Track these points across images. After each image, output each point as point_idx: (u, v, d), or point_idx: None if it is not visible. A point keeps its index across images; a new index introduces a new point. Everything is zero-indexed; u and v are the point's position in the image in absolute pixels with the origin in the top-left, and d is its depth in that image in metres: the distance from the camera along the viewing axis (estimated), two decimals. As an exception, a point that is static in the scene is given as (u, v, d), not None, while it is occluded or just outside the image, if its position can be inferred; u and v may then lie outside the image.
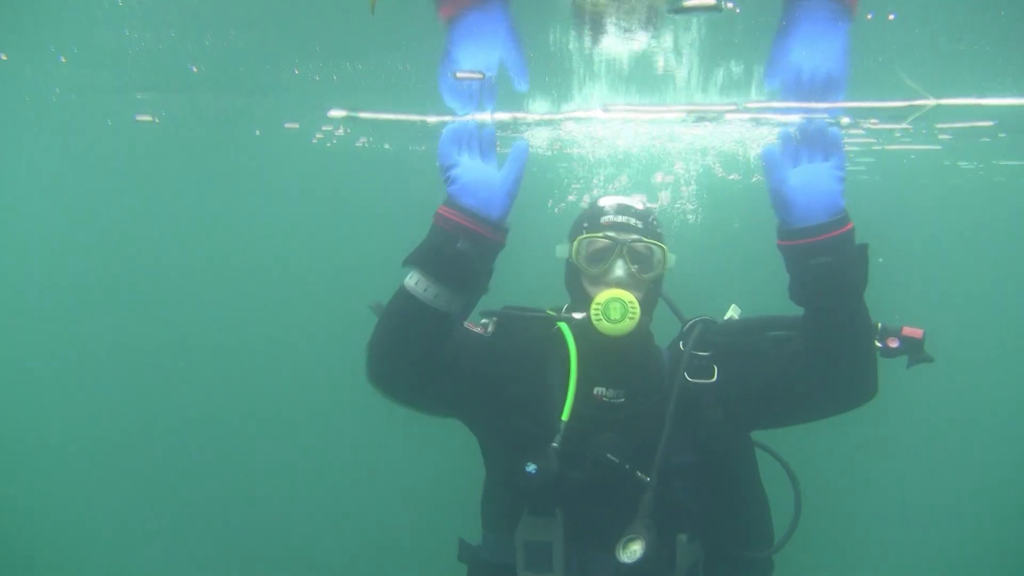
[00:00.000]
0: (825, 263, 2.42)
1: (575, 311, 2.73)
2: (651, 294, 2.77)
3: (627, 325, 2.59)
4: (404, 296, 2.53)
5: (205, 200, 27.90)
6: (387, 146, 15.27)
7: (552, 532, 2.66)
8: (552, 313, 2.79)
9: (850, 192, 2.51)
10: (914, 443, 14.03)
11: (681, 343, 2.83)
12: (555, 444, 2.56)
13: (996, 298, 23.40)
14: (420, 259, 2.50)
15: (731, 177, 11.44)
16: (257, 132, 12.70)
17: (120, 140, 13.30)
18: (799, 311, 2.63)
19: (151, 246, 27.11)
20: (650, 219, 2.76)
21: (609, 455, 2.63)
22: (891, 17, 3.76)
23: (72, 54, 6.31)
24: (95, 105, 9.18)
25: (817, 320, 2.54)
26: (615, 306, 2.60)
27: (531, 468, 2.53)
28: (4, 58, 6.60)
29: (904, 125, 8.49)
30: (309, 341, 20.95)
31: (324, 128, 11.88)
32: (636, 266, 2.68)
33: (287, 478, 13.01)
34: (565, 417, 2.58)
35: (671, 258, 2.73)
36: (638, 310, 2.60)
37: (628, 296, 2.60)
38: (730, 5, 3.50)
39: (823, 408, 2.71)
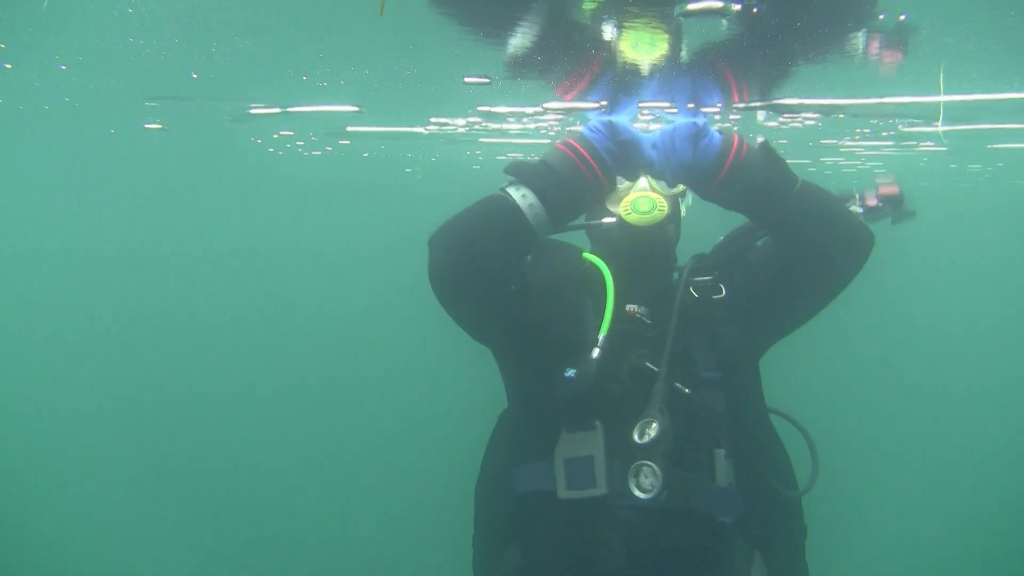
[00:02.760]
0: (739, 191, 2.56)
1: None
2: (673, 211, 2.86)
3: (656, 216, 2.69)
4: (509, 207, 2.47)
5: (206, 202, 28.04)
6: (365, 154, 15.32)
7: (593, 445, 2.60)
8: (583, 222, 2.87)
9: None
10: (915, 442, 14.13)
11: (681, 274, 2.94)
12: (594, 355, 2.57)
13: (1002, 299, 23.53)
14: (540, 180, 2.49)
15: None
16: (258, 140, 12.74)
17: (124, 147, 13.34)
18: None
19: (154, 244, 27.36)
20: None
21: (648, 363, 2.65)
22: (902, 18, 3.76)
23: (76, 62, 6.30)
24: (99, 113, 9.20)
25: (776, 230, 2.69)
26: (643, 200, 2.71)
27: (570, 373, 2.56)
28: (8, 67, 6.60)
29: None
30: (308, 332, 21.25)
31: (312, 137, 11.92)
32: (657, 182, 2.77)
33: (285, 476, 13.09)
34: (604, 331, 2.61)
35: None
36: (666, 204, 2.71)
37: (654, 195, 2.72)
38: (737, 7, 3.47)
39: (834, 279, 2.73)
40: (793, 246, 2.67)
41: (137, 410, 15.83)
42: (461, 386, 12.94)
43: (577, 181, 2.49)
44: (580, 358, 2.57)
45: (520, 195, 2.47)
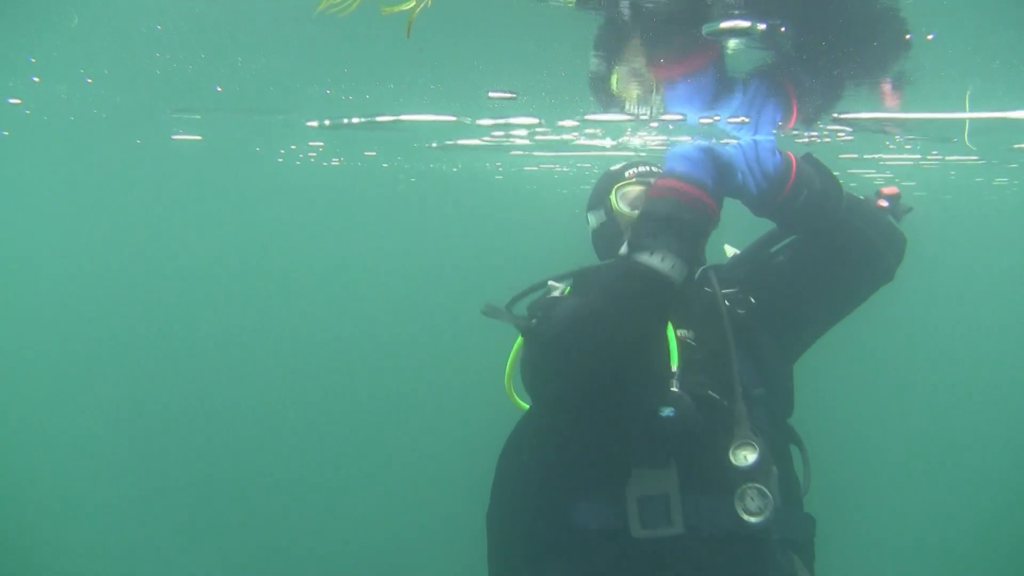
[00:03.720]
0: (804, 198, 2.58)
1: None
2: None
3: None
4: (657, 277, 2.29)
5: (227, 213, 28.24)
6: (385, 165, 15.35)
7: (668, 483, 2.51)
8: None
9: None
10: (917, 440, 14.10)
11: (705, 288, 2.82)
12: (675, 388, 2.48)
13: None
14: (672, 237, 2.31)
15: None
16: (281, 151, 12.80)
17: (149, 158, 13.44)
18: None
19: (162, 252, 27.58)
20: None
21: (710, 392, 2.58)
22: (930, 37, 3.75)
23: (103, 76, 6.37)
24: (125, 124, 9.28)
25: (828, 234, 2.70)
26: None
27: (668, 412, 2.45)
28: (37, 80, 6.69)
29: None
30: (312, 339, 21.46)
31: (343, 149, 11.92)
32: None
33: (287, 475, 13.16)
34: (675, 364, 2.54)
35: None
36: None
37: None
38: (762, 27, 3.45)
39: (882, 274, 2.83)
40: (844, 247, 2.72)
41: (147, 415, 15.94)
42: (460, 392, 12.98)
43: (702, 222, 2.39)
44: (667, 394, 2.48)
45: (659, 259, 2.30)
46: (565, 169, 14.83)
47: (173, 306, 23.93)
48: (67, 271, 26.31)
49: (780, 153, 2.60)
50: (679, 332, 2.67)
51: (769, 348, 2.77)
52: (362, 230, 32.15)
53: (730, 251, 3.13)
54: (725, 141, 2.64)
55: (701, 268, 2.87)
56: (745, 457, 2.43)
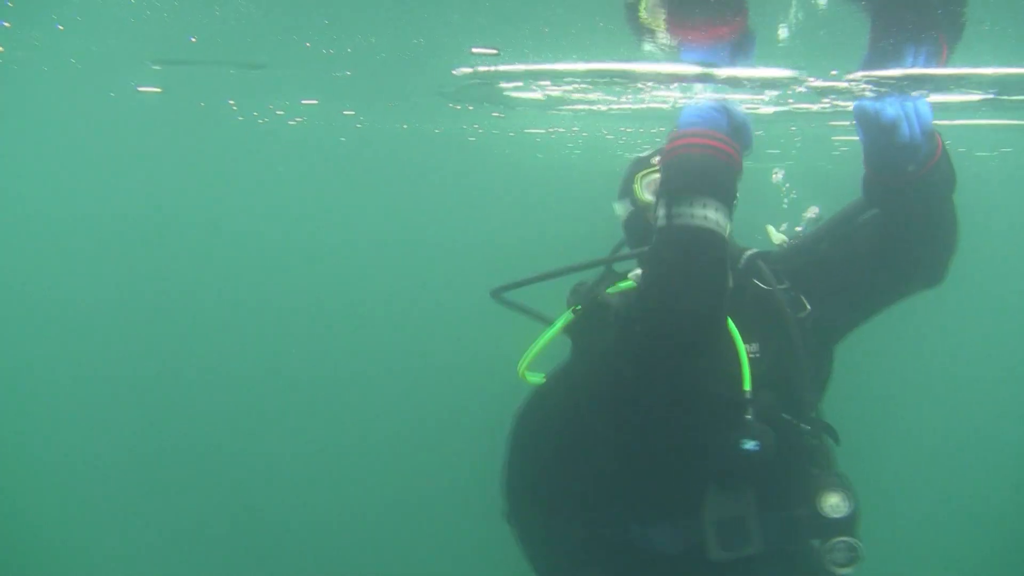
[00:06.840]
0: (936, 180, 2.47)
1: None
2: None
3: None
4: (707, 235, 2.15)
5: (205, 180, 27.70)
6: (358, 125, 15.03)
7: (744, 504, 2.50)
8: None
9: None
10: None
11: (757, 281, 2.72)
12: (749, 416, 2.43)
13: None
14: (710, 184, 2.18)
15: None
16: (260, 113, 12.55)
17: (123, 113, 13.16)
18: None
19: (148, 223, 27.03)
20: None
21: (783, 415, 2.54)
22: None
23: (75, 22, 6.20)
24: (99, 75, 9.08)
25: (928, 213, 2.55)
26: None
27: (752, 445, 2.38)
28: (7, 25, 6.50)
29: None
30: (305, 326, 21.21)
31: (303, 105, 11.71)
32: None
33: (289, 484, 12.98)
34: (747, 386, 2.46)
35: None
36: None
37: None
38: None
39: (924, 277, 2.71)
40: (936, 237, 2.64)
41: (135, 405, 15.79)
42: (460, 388, 12.85)
43: (732, 170, 2.26)
44: (746, 426, 2.41)
45: (713, 214, 2.18)
46: (543, 131, 14.64)
47: (152, 276, 23.52)
48: (37, 229, 25.78)
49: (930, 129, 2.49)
50: (749, 347, 2.54)
51: (821, 352, 2.73)
52: (334, 196, 31.57)
53: (775, 234, 3.04)
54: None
55: (748, 254, 2.79)
56: (836, 507, 2.44)
